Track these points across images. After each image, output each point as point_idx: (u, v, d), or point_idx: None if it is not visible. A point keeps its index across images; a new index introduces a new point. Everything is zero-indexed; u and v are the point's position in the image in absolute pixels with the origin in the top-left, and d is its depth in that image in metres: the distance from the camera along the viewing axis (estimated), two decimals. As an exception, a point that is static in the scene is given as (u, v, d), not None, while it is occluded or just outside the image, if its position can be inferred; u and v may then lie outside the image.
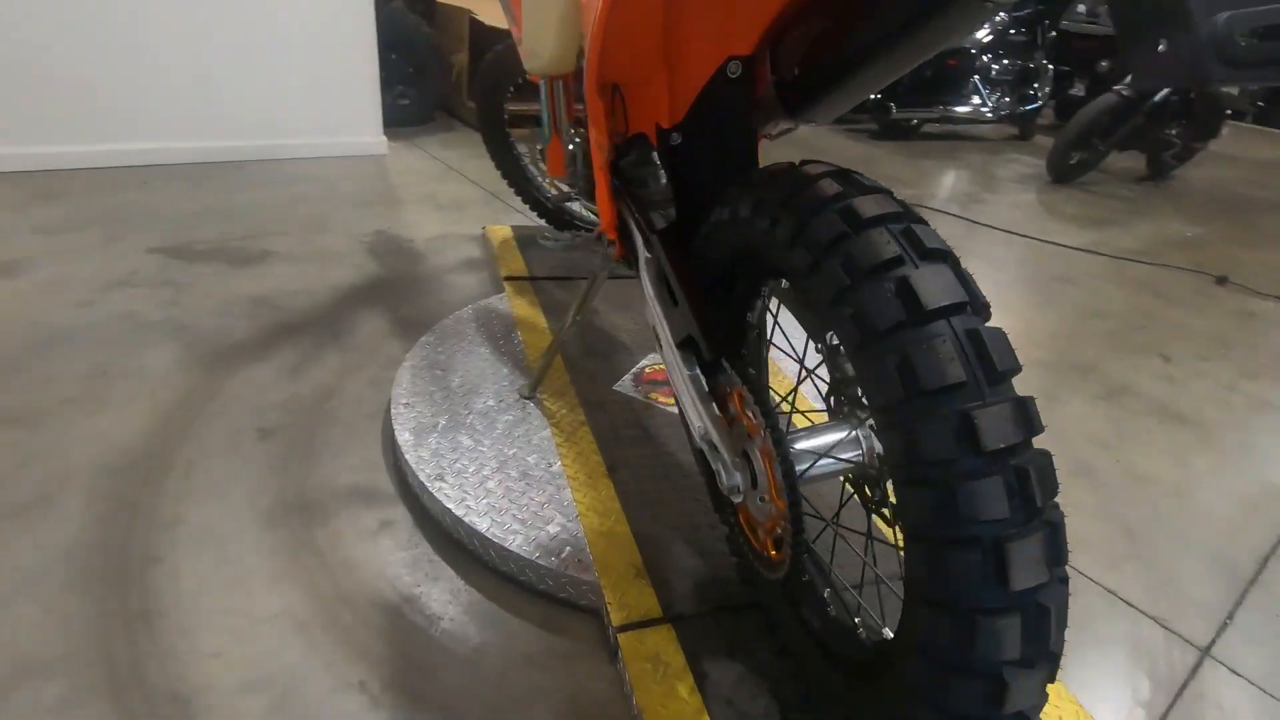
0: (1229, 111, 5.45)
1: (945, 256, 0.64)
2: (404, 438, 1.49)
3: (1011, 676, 0.59)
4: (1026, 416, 0.58)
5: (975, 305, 0.62)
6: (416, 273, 2.41)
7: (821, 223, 0.69)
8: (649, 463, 1.50)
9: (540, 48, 1.43)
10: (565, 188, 2.31)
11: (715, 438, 0.93)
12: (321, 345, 1.94)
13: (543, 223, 2.61)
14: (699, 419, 0.97)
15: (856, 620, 0.93)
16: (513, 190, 2.57)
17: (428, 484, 1.37)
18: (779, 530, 0.89)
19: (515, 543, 1.26)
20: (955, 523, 0.57)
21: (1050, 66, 6.15)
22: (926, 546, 0.60)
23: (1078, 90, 6.85)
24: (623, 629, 1.13)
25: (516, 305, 2.08)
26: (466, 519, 1.30)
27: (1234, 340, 2.79)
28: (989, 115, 6.15)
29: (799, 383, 1.00)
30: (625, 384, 1.76)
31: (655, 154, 1.39)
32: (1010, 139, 6.67)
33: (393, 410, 1.58)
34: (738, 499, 0.91)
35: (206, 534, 1.32)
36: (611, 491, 1.41)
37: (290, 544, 1.32)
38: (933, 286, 0.61)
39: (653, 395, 1.73)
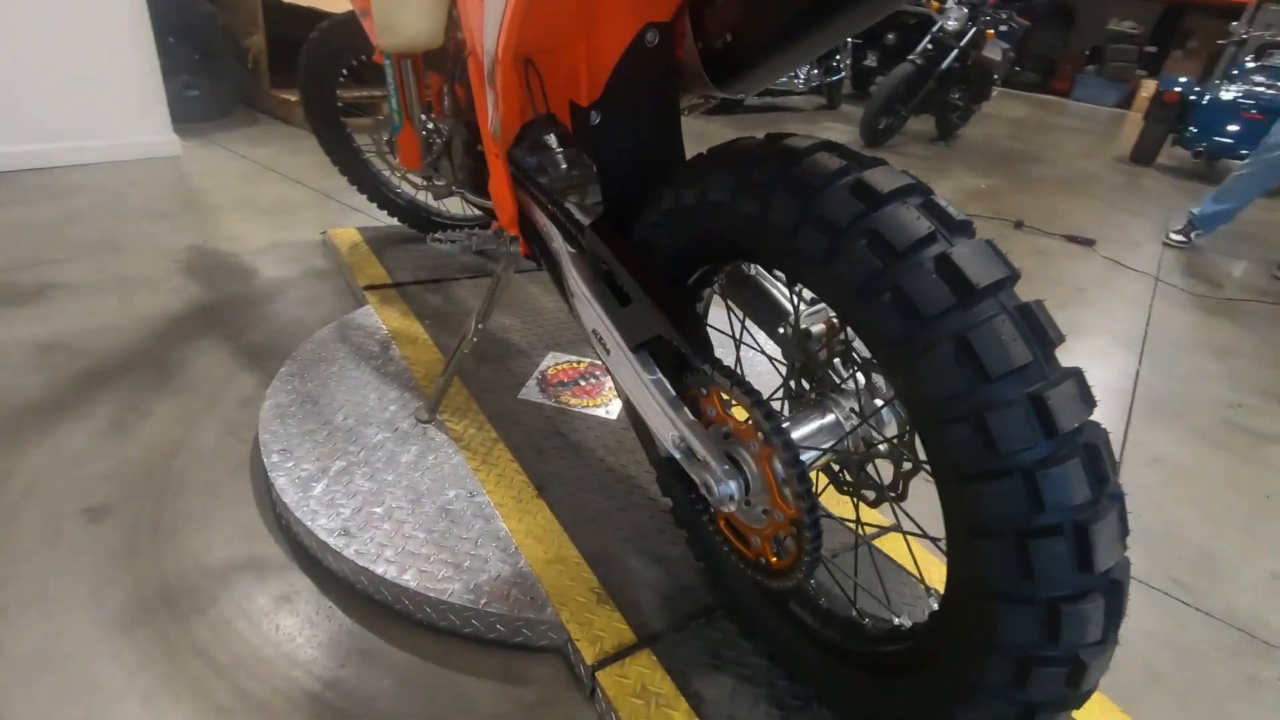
0: (996, 76, 6.22)
1: (971, 229, 0.60)
2: (287, 491, 1.25)
3: (1089, 656, 0.57)
4: (1086, 389, 0.56)
5: (1014, 278, 0.58)
6: (253, 292, 2.07)
7: (834, 202, 0.62)
8: (579, 474, 1.38)
9: (400, 22, 1.23)
10: (421, 181, 2.09)
11: (698, 446, 0.85)
12: (146, 393, 1.60)
13: (395, 222, 2.36)
14: (672, 427, 0.88)
15: (857, 613, 0.89)
16: (356, 188, 2.28)
17: (330, 541, 1.16)
18: (783, 536, 0.83)
19: (452, 592, 1.10)
20: (1039, 512, 0.54)
21: (849, 40, 6.65)
22: (1003, 541, 0.56)
23: (870, 61, 7.48)
24: (600, 665, 1.02)
25: (386, 317, 1.85)
26: (388, 575, 1.12)
27: (1037, 275, 3.17)
28: (801, 86, 6.53)
29: (787, 379, 0.93)
30: (531, 390, 1.62)
31: (552, 137, 1.26)
32: (821, 109, 7.14)
33: (265, 460, 1.32)
34: (729, 509, 0.84)
35: (37, 662, 1.02)
36: (547, 513, 1.28)
37: (162, 647, 1.06)
38: (977, 262, 0.57)
39: (564, 399, 1.60)
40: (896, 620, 0.84)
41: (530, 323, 1.91)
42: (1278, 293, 3.35)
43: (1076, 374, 0.56)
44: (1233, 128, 5.46)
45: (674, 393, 0.90)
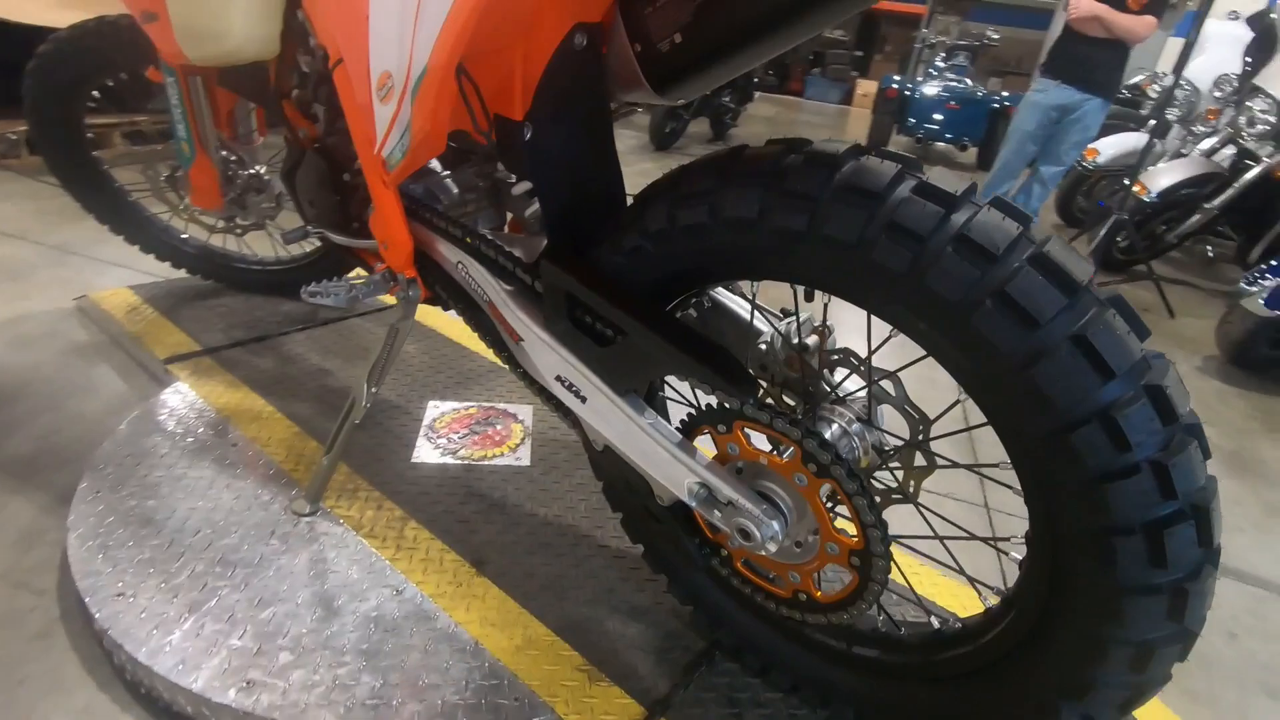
0: (756, 80, 6.80)
1: (1031, 221, 0.58)
2: (140, 648, 0.94)
3: (1197, 628, 0.59)
4: (1177, 374, 0.57)
5: (1095, 270, 0.58)
6: (-7, 387, 1.57)
7: (909, 209, 0.57)
8: (515, 536, 1.21)
9: (221, 26, 0.98)
10: (218, 221, 1.73)
11: (726, 490, 0.76)
12: None
13: (181, 274, 1.93)
14: (689, 473, 0.78)
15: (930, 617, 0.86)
16: (123, 237, 1.83)
17: (229, 702, 0.89)
18: (826, 567, 0.77)
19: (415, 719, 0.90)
20: (1171, 500, 0.53)
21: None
22: (1136, 535, 0.55)
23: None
24: (620, 754, 0.89)
25: (209, 393, 1.49)
26: (326, 723, 0.88)
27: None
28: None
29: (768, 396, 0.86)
30: (425, 450, 1.40)
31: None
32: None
33: (94, 611, 0.99)
34: (769, 550, 0.76)
35: None
36: (496, 591, 1.10)
37: None
38: (1070, 258, 0.55)
39: (466, 453, 1.41)
40: (954, 622, 0.83)
41: (394, 371, 1.67)
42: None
43: (1165, 358, 0.57)
44: (938, 116, 6.52)
45: (681, 436, 0.80)
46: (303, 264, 1.87)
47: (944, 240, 0.56)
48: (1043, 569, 0.65)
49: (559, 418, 0.98)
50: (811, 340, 0.85)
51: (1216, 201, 3.46)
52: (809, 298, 0.78)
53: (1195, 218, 3.51)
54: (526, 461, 1.41)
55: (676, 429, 0.82)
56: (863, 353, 0.85)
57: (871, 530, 0.69)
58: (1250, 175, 3.40)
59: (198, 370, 1.57)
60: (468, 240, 0.94)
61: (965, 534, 0.78)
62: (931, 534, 0.78)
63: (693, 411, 0.81)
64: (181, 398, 1.47)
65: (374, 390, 1.14)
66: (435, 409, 1.54)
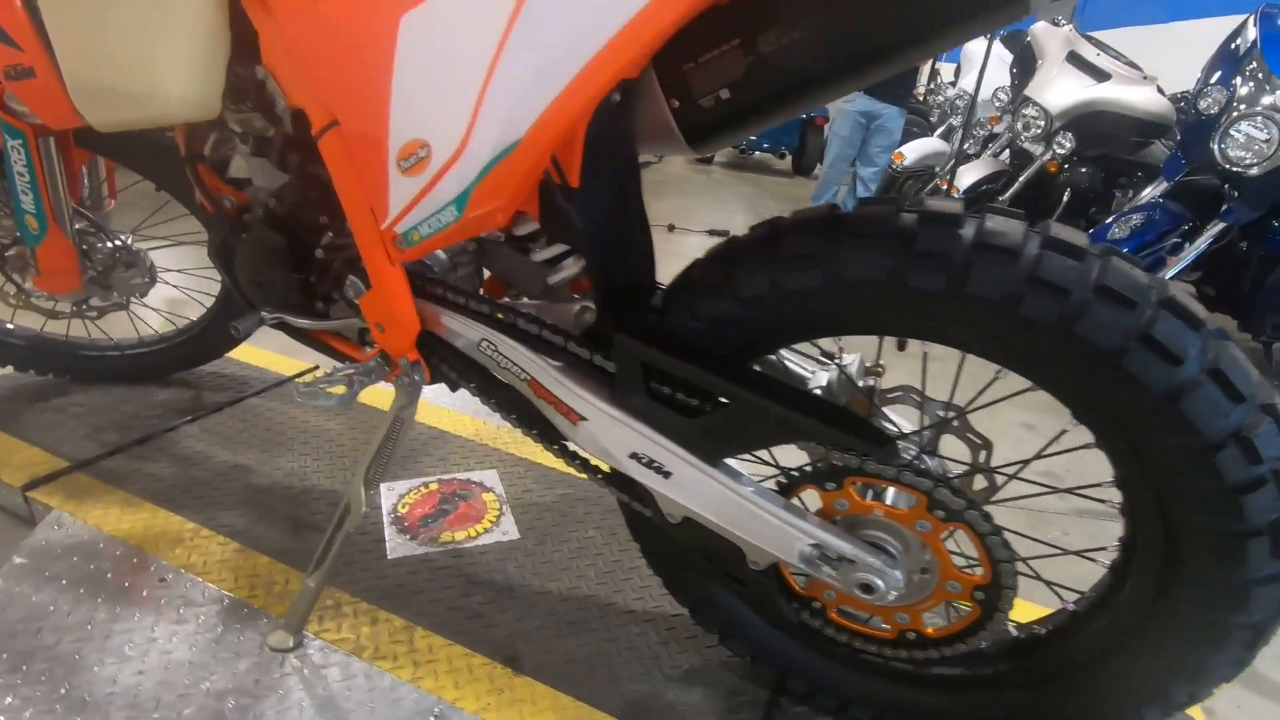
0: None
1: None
2: None
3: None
4: None
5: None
6: None
7: (1050, 264, 0.60)
8: (538, 621, 1.12)
9: (153, 83, 0.80)
10: (58, 305, 1.42)
11: (845, 548, 0.75)
12: None
13: (10, 371, 1.56)
14: (801, 535, 0.76)
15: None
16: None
17: None
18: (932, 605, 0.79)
19: None
20: None
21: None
22: (1261, 537, 0.62)
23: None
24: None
25: (102, 518, 1.21)
26: None
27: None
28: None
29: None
30: (399, 543, 1.25)
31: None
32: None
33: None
34: (892, 597, 0.76)
35: None
36: (541, 688, 1.01)
37: None
38: (1185, 298, 0.61)
39: (446, 537, 1.27)
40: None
41: (323, 455, 1.46)
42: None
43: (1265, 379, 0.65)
44: (750, 128, 7.05)
45: (785, 498, 0.78)
46: (175, 342, 1.59)
47: (1086, 291, 0.60)
48: (1147, 571, 0.71)
49: (615, 494, 0.91)
50: (869, 381, 0.87)
51: (1006, 195, 4.06)
52: (901, 347, 0.80)
53: (988, 210, 4.13)
54: (515, 534, 1.30)
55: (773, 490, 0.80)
56: (914, 390, 0.88)
57: (1004, 565, 0.72)
58: (1028, 171, 4.03)
59: (73, 492, 1.27)
60: (499, 316, 0.85)
61: (1058, 550, 0.84)
62: (1021, 559, 0.82)
63: (791, 472, 0.79)
64: (65, 532, 1.18)
65: (372, 492, 0.99)
66: (391, 493, 1.38)
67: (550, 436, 0.91)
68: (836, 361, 0.88)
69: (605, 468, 0.88)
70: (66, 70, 0.84)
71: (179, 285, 1.54)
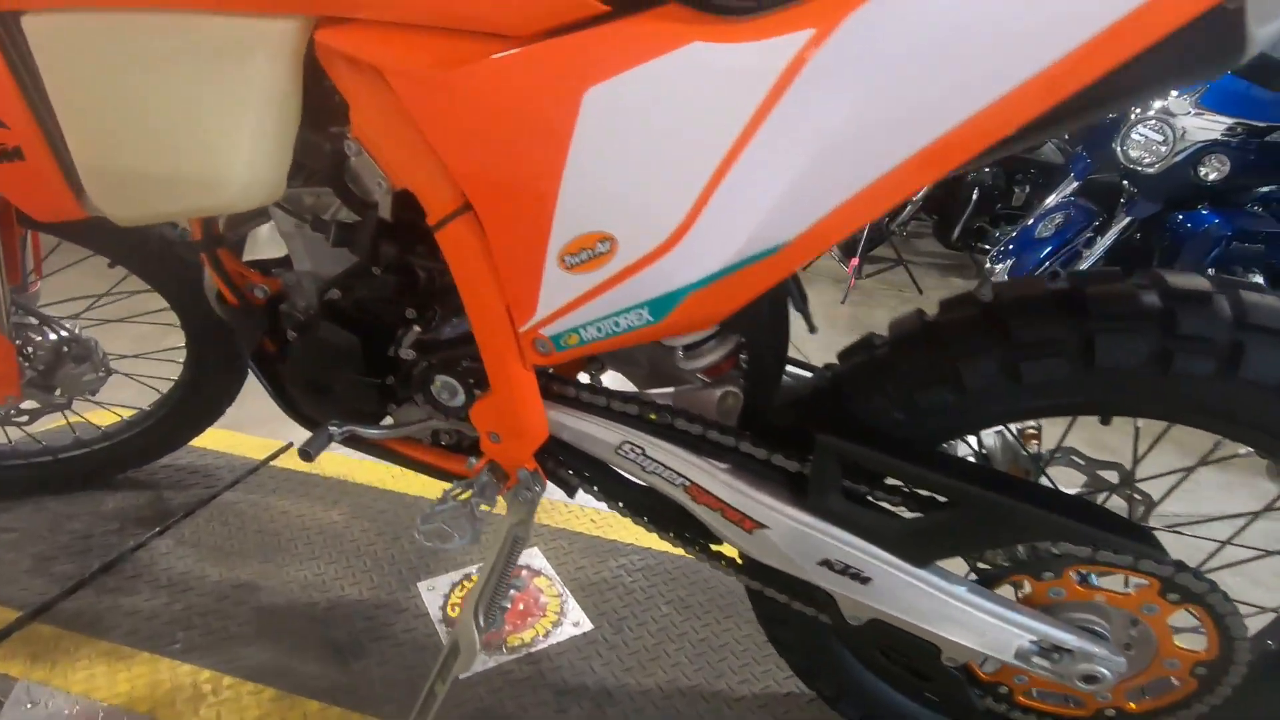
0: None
1: None
2: None
3: None
4: None
5: None
6: None
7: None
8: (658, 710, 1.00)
9: (213, 169, 0.62)
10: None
11: (1069, 639, 0.70)
12: None
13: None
14: (1021, 632, 0.70)
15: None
16: None
17: None
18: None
19: None
20: None
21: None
22: None
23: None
24: None
25: (89, 682, 0.97)
26: None
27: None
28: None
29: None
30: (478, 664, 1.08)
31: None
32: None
33: None
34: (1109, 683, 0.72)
35: None
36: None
37: None
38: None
39: (516, 640, 1.13)
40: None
41: (338, 556, 1.26)
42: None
43: None
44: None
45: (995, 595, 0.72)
46: (117, 440, 1.32)
47: None
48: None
49: (766, 592, 0.82)
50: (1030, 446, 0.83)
51: (918, 195, 4.28)
52: (1106, 421, 0.76)
53: (907, 209, 4.32)
54: (587, 623, 1.17)
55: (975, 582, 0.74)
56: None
57: (1239, 642, 0.69)
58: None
59: (39, 651, 1.02)
60: (651, 417, 0.74)
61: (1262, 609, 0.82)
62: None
63: (1000, 564, 0.73)
64: (43, 710, 0.94)
65: (484, 625, 0.84)
66: (433, 593, 1.20)
67: (702, 541, 0.80)
68: (1005, 429, 0.83)
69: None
70: (82, 156, 0.63)
71: (132, 374, 1.28)
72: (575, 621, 1.18)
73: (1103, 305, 0.63)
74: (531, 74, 0.56)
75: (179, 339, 1.22)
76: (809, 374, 0.85)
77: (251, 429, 1.56)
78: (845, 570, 0.73)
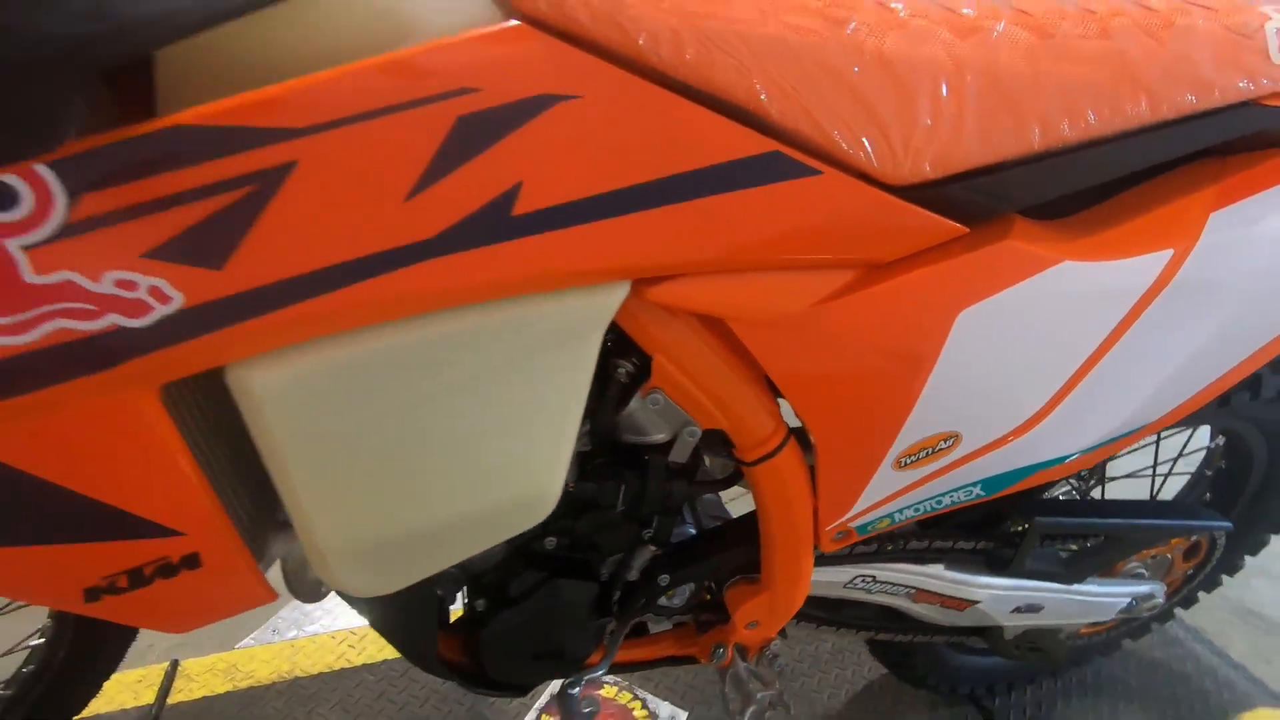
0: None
1: None
2: None
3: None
4: None
5: None
6: None
7: None
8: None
9: (540, 483, 0.47)
10: None
11: (1148, 589, 0.95)
12: None
13: None
14: (1126, 596, 0.93)
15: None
16: None
17: None
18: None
19: None
20: None
21: None
22: None
23: None
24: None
25: None
26: None
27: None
28: None
29: None
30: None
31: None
32: None
33: None
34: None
35: None
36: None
37: None
38: None
39: (637, 765, 1.08)
40: None
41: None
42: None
43: None
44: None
45: None
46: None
47: None
48: None
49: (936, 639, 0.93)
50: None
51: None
52: None
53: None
54: (682, 712, 1.17)
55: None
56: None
57: (1220, 543, 1.01)
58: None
59: None
60: (888, 549, 0.77)
61: None
62: None
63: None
64: None
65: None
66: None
67: (899, 632, 0.88)
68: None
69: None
70: (333, 534, 0.39)
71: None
72: (671, 716, 1.16)
73: None
74: (905, 302, 0.53)
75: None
76: None
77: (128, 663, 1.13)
78: (1028, 609, 0.87)
